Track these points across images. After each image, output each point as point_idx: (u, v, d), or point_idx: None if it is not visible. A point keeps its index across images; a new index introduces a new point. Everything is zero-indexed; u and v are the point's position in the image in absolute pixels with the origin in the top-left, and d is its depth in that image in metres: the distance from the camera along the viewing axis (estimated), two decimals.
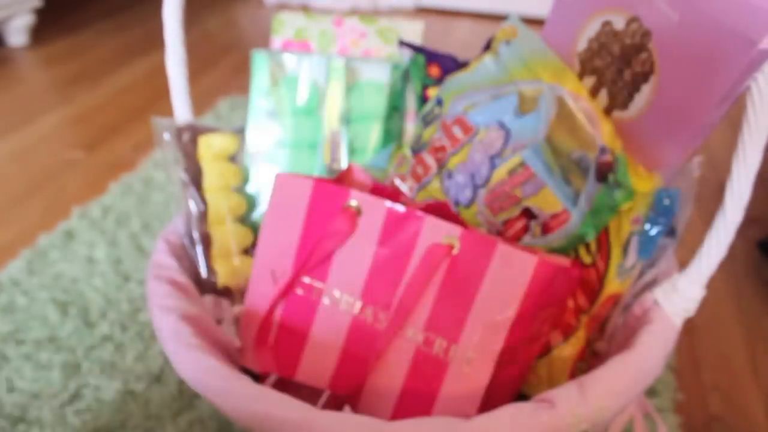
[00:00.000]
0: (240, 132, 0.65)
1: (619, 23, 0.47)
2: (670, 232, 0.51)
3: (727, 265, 0.91)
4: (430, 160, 0.55)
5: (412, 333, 0.45)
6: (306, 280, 0.48)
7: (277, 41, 0.73)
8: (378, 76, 0.64)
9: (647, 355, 0.44)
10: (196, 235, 0.58)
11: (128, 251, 0.90)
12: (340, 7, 2.06)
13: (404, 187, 0.57)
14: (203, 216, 0.59)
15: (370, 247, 0.46)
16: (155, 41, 1.75)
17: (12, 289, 0.83)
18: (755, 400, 0.72)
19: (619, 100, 0.48)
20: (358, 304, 0.47)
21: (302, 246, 0.48)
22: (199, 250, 0.58)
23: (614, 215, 0.46)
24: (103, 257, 0.89)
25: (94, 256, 0.89)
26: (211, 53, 1.67)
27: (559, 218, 0.48)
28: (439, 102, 0.56)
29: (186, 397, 0.68)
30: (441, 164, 0.54)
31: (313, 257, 0.47)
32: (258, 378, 0.51)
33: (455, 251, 0.44)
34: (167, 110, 0.60)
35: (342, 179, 0.53)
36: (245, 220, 0.63)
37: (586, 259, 0.49)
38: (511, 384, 0.47)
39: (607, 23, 0.48)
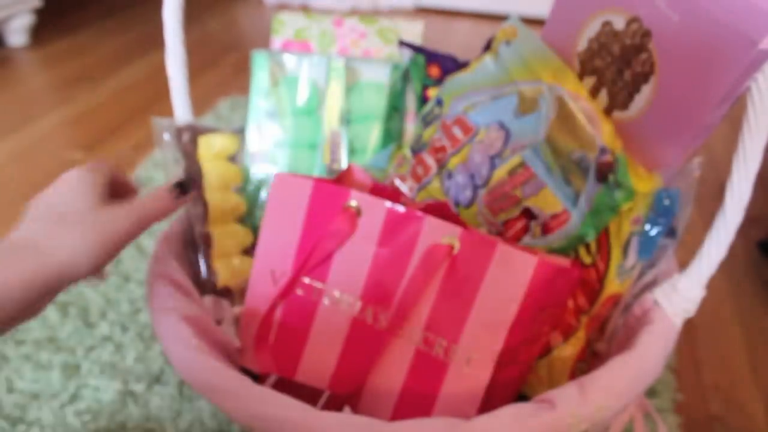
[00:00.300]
0: (240, 132, 0.65)
1: (619, 23, 0.47)
2: (670, 232, 0.51)
3: (727, 265, 0.91)
4: (430, 160, 0.55)
5: (412, 333, 0.45)
6: (306, 280, 0.48)
7: (277, 41, 0.73)
8: (378, 77, 0.64)
9: (647, 356, 0.44)
10: (196, 235, 0.58)
11: (128, 251, 0.90)
12: (340, 7, 2.06)
13: (404, 187, 0.57)
14: (203, 216, 0.59)
15: (370, 247, 0.46)
16: (155, 41, 1.75)
17: None
18: (755, 400, 0.72)
19: (619, 101, 0.48)
20: (358, 305, 0.47)
21: (302, 246, 0.48)
22: (199, 250, 0.58)
23: (614, 215, 0.46)
24: None
25: None
26: (211, 53, 1.67)
27: (559, 218, 0.48)
28: (439, 102, 0.56)
29: (186, 397, 0.68)
30: (441, 164, 0.54)
31: (313, 257, 0.47)
32: (258, 378, 0.51)
33: (455, 251, 0.44)
34: (167, 110, 0.60)
35: (342, 179, 0.53)
36: (245, 220, 0.63)
37: (586, 259, 0.49)
38: (512, 384, 0.47)
39: (607, 23, 0.48)
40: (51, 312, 0.78)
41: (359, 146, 0.64)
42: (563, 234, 0.48)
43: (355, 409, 0.48)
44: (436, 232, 0.44)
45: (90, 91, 1.45)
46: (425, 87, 0.66)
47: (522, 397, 0.46)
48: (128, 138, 1.25)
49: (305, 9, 2.10)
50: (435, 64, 0.66)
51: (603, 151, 0.45)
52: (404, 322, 0.45)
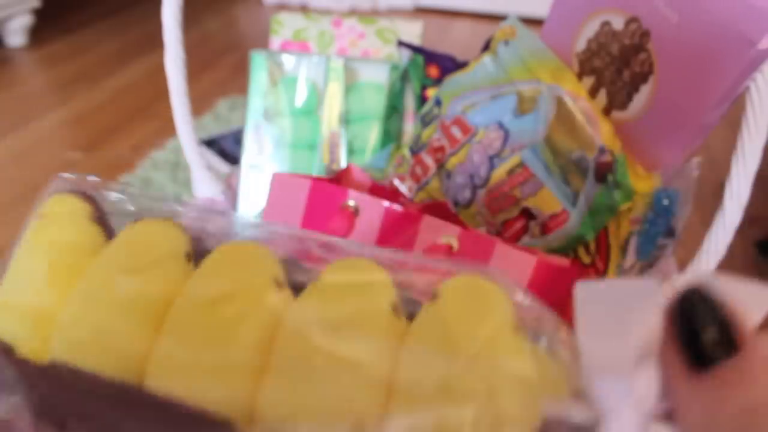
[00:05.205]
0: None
1: (618, 23, 0.46)
2: (669, 232, 0.51)
3: (725, 265, 0.91)
4: (429, 160, 0.55)
5: None
6: None
7: (275, 42, 0.73)
8: (377, 77, 0.64)
9: None
10: None
11: None
12: (339, 7, 2.06)
13: (403, 187, 0.57)
14: None
15: None
16: (155, 41, 1.75)
17: None
18: None
19: (618, 101, 0.48)
20: None
21: None
22: None
23: (613, 215, 0.46)
24: None
25: None
26: (211, 54, 1.67)
27: (558, 218, 0.48)
28: (438, 102, 0.56)
29: None
30: (440, 165, 0.54)
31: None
32: None
33: (454, 251, 0.44)
34: (167, 110, 0.60)
35: (340, 179, 0.53)
36: None
37: (586, 259, 0.49)
38: None
39: (606, 23, 0.48)
40: None
41: (358, 146, 0.64)
42: (562, 234, 0.48)
43: None
44: (435, 232, 0.44)
45: (89, 91, 1.45)
46: (424, 87, 0.66)
47: None
48: (128, 138, 1.25)
49: (304, 9, 2.10)
50: (434, 64, 0.66)
51: (602, 151, 0.45)
52: None
